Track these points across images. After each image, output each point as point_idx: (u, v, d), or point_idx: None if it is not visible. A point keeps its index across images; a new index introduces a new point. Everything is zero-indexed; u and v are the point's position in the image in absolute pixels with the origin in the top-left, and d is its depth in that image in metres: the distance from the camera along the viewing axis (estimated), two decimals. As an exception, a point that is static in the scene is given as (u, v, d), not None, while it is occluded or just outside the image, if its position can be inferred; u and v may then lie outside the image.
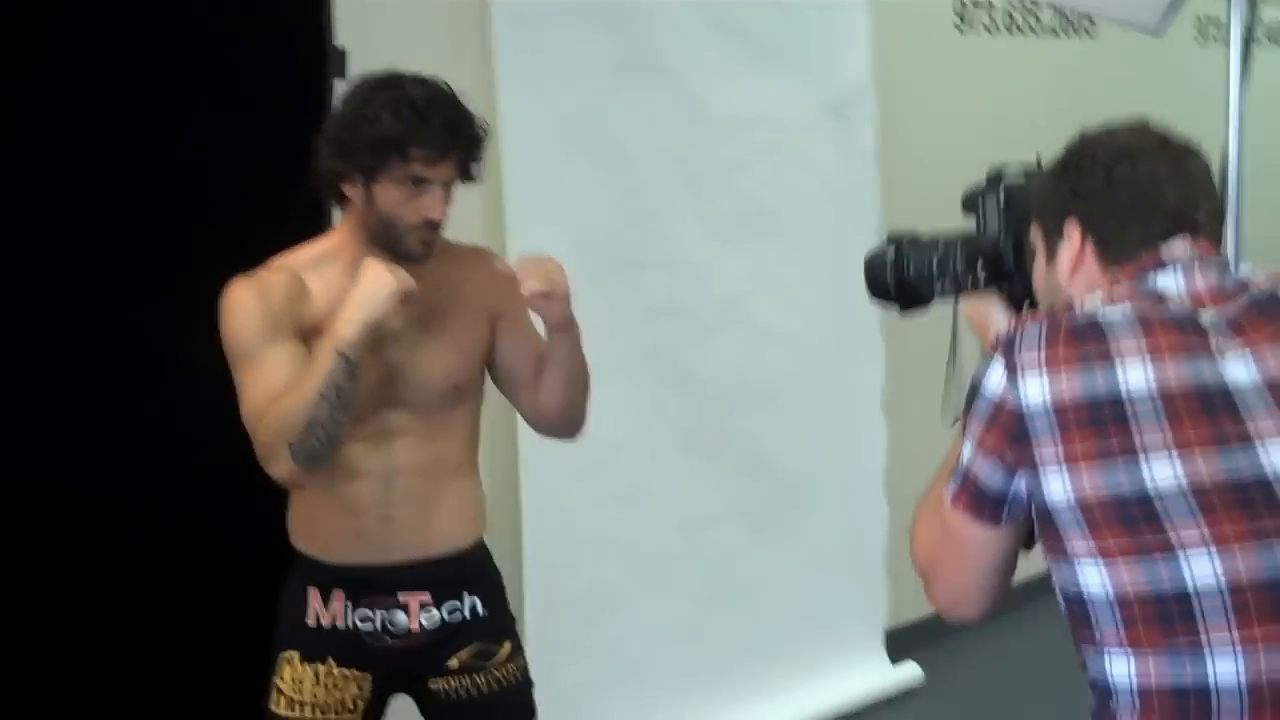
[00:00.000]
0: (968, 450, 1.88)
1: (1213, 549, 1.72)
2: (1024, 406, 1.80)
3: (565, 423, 3.01)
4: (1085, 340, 1.80)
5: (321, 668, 2.86)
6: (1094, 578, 1.77)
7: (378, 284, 2.61)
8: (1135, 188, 1.93)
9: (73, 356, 3.49)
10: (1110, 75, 6.05)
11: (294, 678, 2.86)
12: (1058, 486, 1.78)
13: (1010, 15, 5.65)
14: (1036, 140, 6.07)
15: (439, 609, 2.90)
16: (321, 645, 2.86)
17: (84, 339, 3.49)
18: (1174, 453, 1.73)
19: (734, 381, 4.66)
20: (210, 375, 2.94)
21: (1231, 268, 1.90)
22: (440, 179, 2.70)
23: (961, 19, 5.49)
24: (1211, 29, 6.64)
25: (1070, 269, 1.97)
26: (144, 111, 3.53)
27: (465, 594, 2.94)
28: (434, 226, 2.72)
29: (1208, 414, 1.75)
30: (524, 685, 3.04)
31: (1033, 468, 1.80)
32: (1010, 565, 1.94)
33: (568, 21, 4.09)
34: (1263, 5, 6.82)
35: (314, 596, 2.88)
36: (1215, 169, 3.06)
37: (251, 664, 2.99)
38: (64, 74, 3.43)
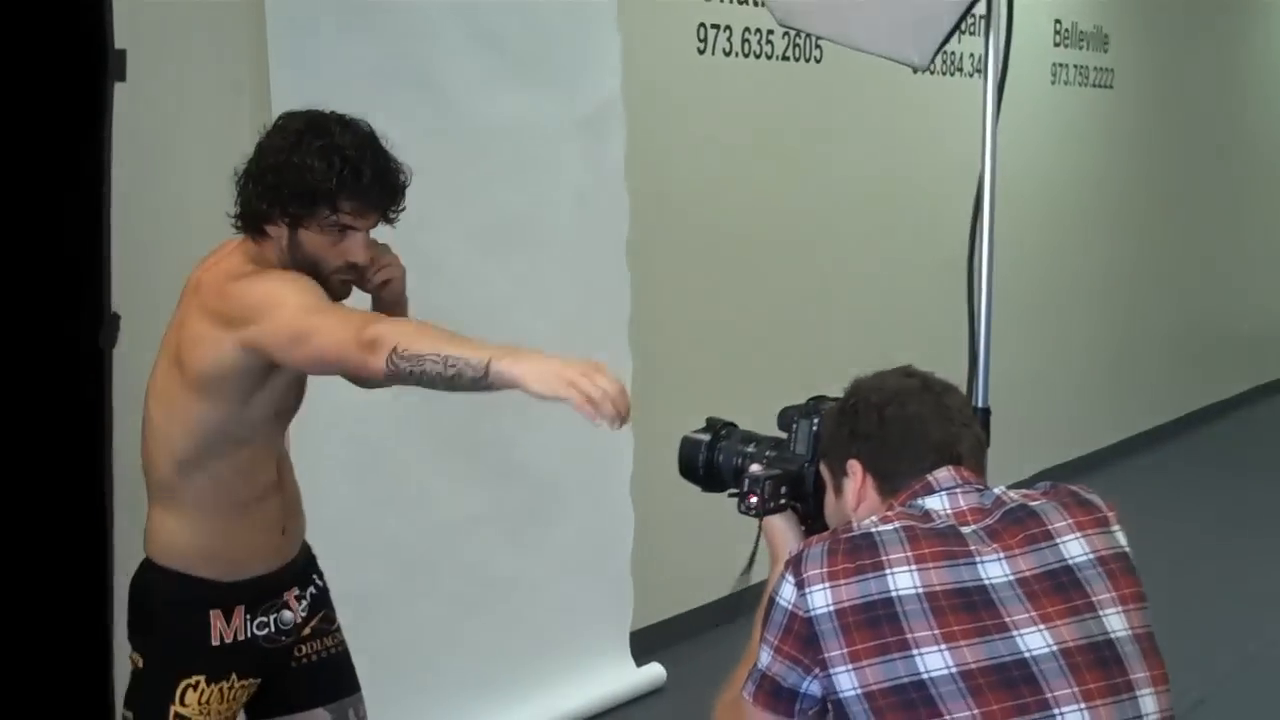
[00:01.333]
0: (765, 655, 2.12)
1: None
2: (812, 614, 2.05)
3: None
4: (860, 553, 2.07)
5: (225, 685, 2.92)
6: None
7: (567, 381, 2.47)
8: (904, 426, 2.22)
9: None
10: (835, 97, 6.35)
11: (200, 701, 2.89)
12: (846, 682, 2.02)
13: (746, 40, 5.87)
14: (769, 157, 6.37)
15: (305, 595, 3.06)
16: (225, 662, 2.92)
17: None
18: (942, 646, 1.99)
19: (490, 389, 4.75)
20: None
21: (993, 490, 2.19)
22: (366, 226, 2.78)
23: (703, 42, 5.69)
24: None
25: (855, 501, 2.25)
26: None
27: (313, 575, 3.13)
28: (357, 269, 2.80)
29: (968, 610, 2.02)
30: (349, 653, 3.21)
31: (823, 667, 2.04)
32: None
33: (339, 28, 4.14)
34: (969, 38, 7.25)
35: (216, 618, 2.90)
36: (973, 194, 3.32)
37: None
38: None
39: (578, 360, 2.51)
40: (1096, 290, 9.02)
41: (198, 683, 2.88)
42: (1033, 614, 2.02)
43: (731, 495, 2.49)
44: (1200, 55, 10.23)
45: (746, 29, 5.84)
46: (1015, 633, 2.00)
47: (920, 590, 2.02)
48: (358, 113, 4.18)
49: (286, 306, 2.63)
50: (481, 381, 2.53)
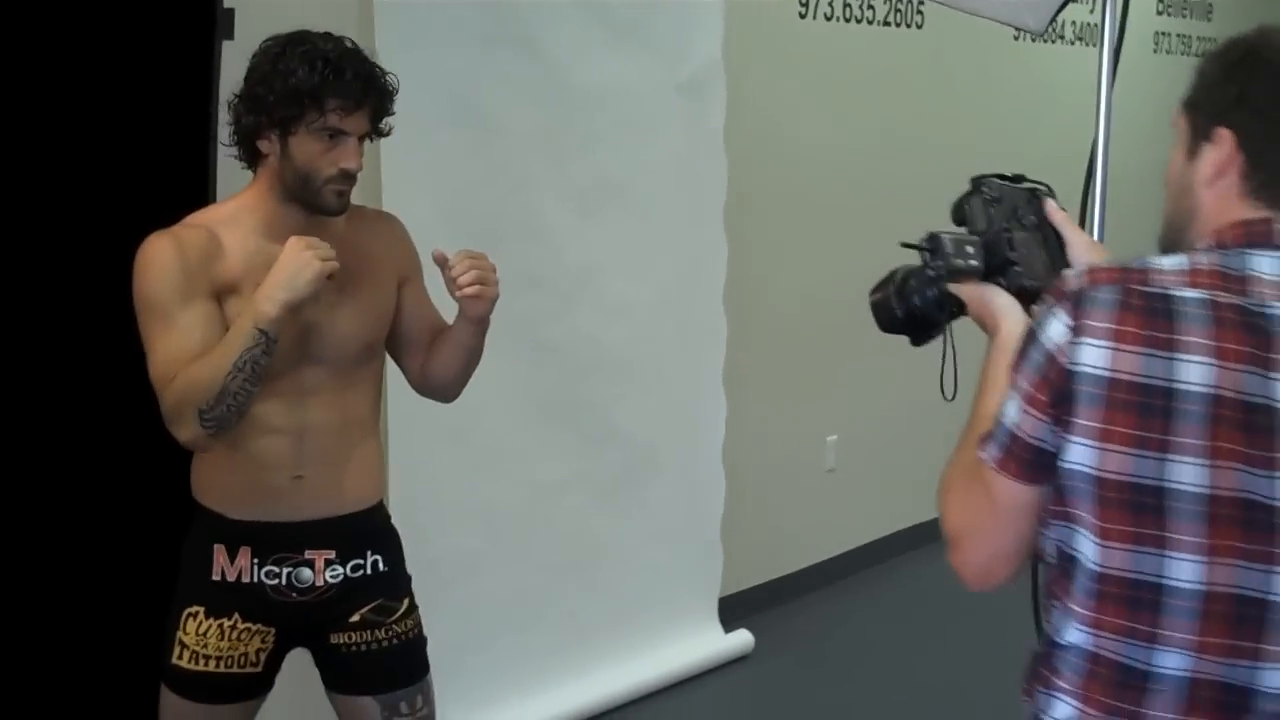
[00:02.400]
0: (1013, 408, 1.85)
1: (1202, 558, 1.76)
2: (1078, 368, 1.78)
3: (448, 392, 3.14)
4: (1156, 320, 1.76)
5: (227, 622, 2.89)
6: (1087, 550, 1.82)
7: (301, 264, 2.67)
8: None
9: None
10: (936, 63, 6.29)
11: (198, 632, 2.89)
12: (1081, 455, 1.79)
13: (847, 5, 5.81)
14: (870, 123, 6.32)
15: (343, 566, 2.96)
16: (227, 600, 2.90)
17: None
18: (1203, 460, 1.74)
19: (586, 352, 4.75)
20: (110, 331, 2.96)
21: None
22: (355, 130, 2.77)
23: (804, 6, 5.64)
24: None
25: (1212, 175, 1.87)
26: (33, 74, 3.51)
27: (369, 552, 3.01)
28: (350, 177, 2.79)
29: (1246, 430, 1.75)
30: (419, 641, 3.11)
31: (1065, 428, 1.80)
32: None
33: (444, -8, 4.15)
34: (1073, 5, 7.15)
35: (220, 552, 2.90)
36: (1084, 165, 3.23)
37: (153, 617, 3.01)
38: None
39: (287, 251, 2.69)
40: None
41: (197, 613, 2.89)
42: None
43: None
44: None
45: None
46: (1278, 474, 1.75)
47: (1210, 391, 1.73)
48: (462, 74, 4.24)
49: (147, 321, 2.76)
50: (270, 344, 2.67)
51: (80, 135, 3.61)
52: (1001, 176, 2.24)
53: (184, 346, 2.70)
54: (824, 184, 5.85)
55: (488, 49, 4.28)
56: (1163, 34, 8.35)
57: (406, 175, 4.07)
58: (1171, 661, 1.80)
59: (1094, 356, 1.77)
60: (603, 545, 4.90)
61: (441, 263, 2.85)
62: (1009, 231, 2.15)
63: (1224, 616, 1.79)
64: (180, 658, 2.90)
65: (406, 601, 3.08)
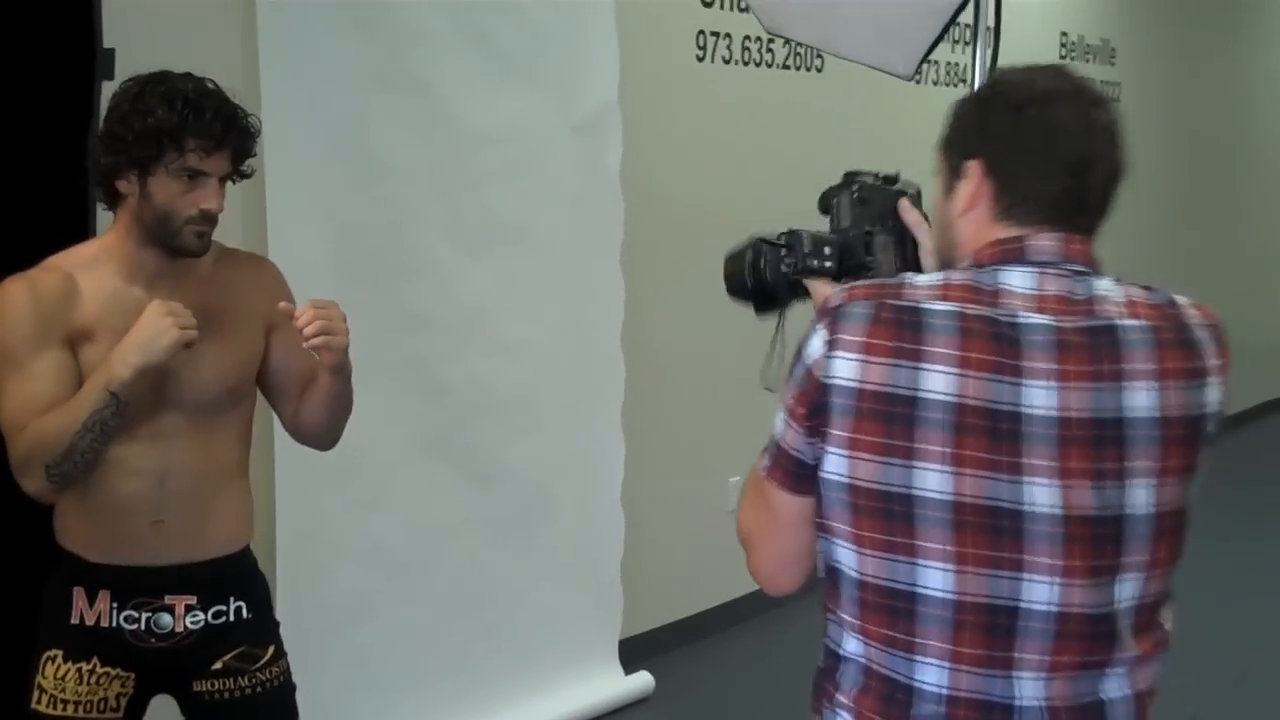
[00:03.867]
0: (779, 420, 1.94)
1: (950, 566, 1.82)
2: (831, 381, 1.86)
3: (322, 439, 3.11)
4: (903, 332, 1.84)
5: (85, 666, 2.86)
6: (846, 559, 1.89)
7: (159, 330, 2.64)
8: (1042, 134, 1.92)
9: None
10: (836, 106, 6.32)
11: (57, 676, 2.85)
12: (835, 465, 1.86)
13: (746, 48, 5.85)
14: (768, 164, 6.35)
15: (205, 612, 2.92)
16: (86, 644, 2.86)
17: None
18: (947, 467, 1.81)
19: (479, 391, 4.73)
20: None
21: (1093, 281, 1.91)
22: (216, 171, 2.75)
23: (702, 49, 5.67)
24: (930, 70, 6.98)
25: (964, 206, 1.97)
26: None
27: (231, 598, 2.97)
28: (210, 218, 2.77)
29: (990, 437, 1.81)
30: (286, 688, 3.07)
31: (822, 439, 1.87)
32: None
33: (332, 30, 4.13)
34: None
35: (79, 595, 2.87)
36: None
37: (15, 662, 2.97)
38: None
39: (146, 315, 2.67)
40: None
41: (56, 656, 2.86)
42: (1054, 464, 1.81)
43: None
44: (1208, 67, 10.22)
45: (747, 36, 5.83)
46: (1026, 479, 1.81)
47: (952, 399, 1.80)
48: (350, 114, 4.24)
49: (11, 390, 2.73)
50: (120, 406, 2.66)
51: None
52: (876, 175, 2.27)
53: (34, 395, 2.68)
54: (723, 226, 5.82)
55: (375, 88, 4.28)
56: (1066, 78, 8.45)
57: (292, 214, 4.05)
58: (930, 676, 1.86)
59: (844, 369, 1.85)
60: (497, 586, 4.87)
61: (289, 315, 2.80)
62: (870, 234, 2.20)
63: (976, 626, 1.84)
64: (39, 702, 2.86)
65: (272, 648, 3.04)
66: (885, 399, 1.83)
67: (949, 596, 1.83)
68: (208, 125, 2.71)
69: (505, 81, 4.70)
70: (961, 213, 1.97)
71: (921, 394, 1.82)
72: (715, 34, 5.70)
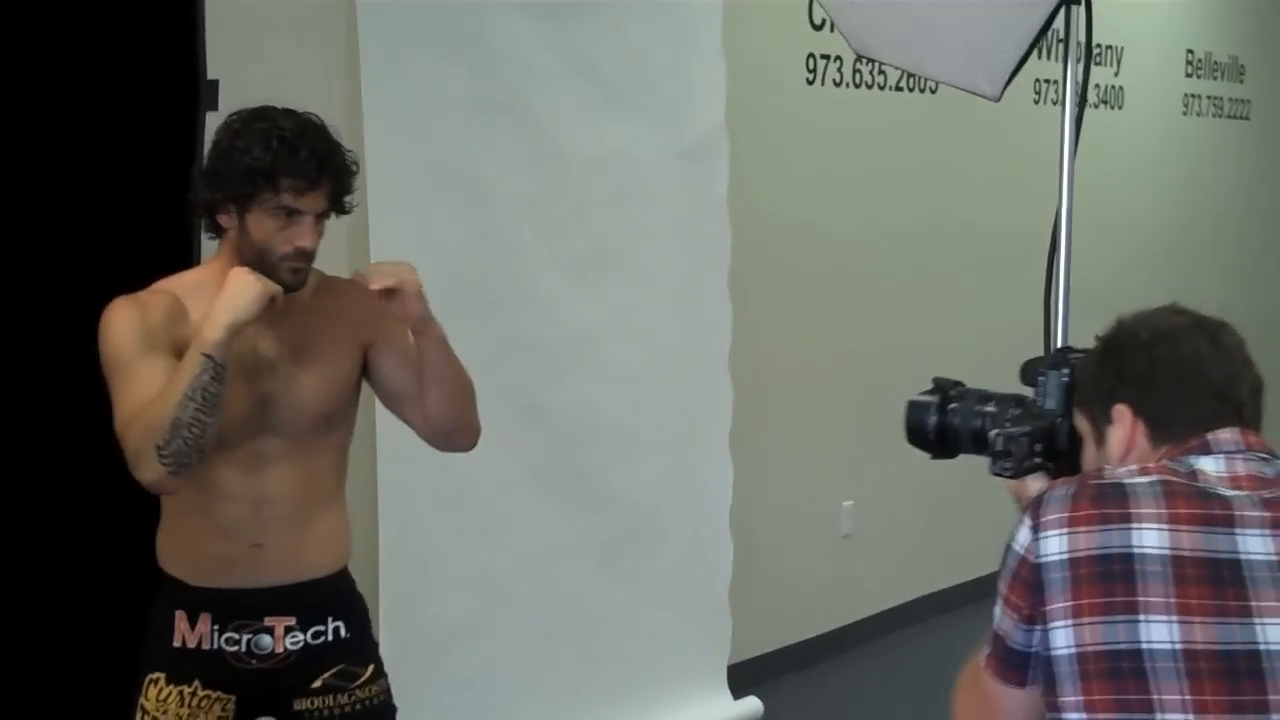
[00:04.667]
0: (997, 610, 1.94)
1: (1190, 716, 1.78)
2: (1043, 560, 1.87)
3: (456, 428, 3.08)
4: (1106, 501, 1.87)
5: (187, 689, 2.90)
6: None
7: (242, 287, 2.70)
8: (1178, 366, 1.99)
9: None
10: (950, 130, 6.27)
11: (159, 698, 2.90)
12: (1062, 639, 1.84)
13: (857, 71, 5.81)
14: (879, 189, 6.31)
15: (304, 632, 2.96)
16: (188, 666, 2.91)
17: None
18: (1174, 617, 1.80)
19: (585, 418, 4.74)
20: (84, 398, 2.98)
21: (1276, 458, 1.96)
22: (311, 209, 2.79)
23: (812, 72, 5.65)
24: (1049, 90, 6.90)
25: (1121, 450, 2.01)
26: (16, 141, 3.56)
27: (330, 618, 3.01)
28: (305, 255, 2.81)
29: (1214, 584, 1.81)
30: (386, 708, 3.10)
31: (1044, 620, 1.87)
32: None
33: (434, 60, 4.16)
34: (1096, 68, 7.13)
35: (181, 619, 2.92)
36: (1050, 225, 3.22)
37: (121, 684, 3.01)
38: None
39: (235, 276, 2.73)
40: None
41: (159, 680, 2.90)
42: None
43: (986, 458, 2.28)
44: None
45: (859, 59, 5.79)
46: (1258, 620, 1.79)
47: (1167, 552, 1.81)
48: (452, 143, 4.26)
49: (113, 375, 2.78)
50: (218, 370, 2.67)
51: (66, 207, 3.65)
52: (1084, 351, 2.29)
53: (144, 394, 2.71)
54: (832, 251, 5.84)
55: (479, 115, 4.30)
56: (1193, 96, 8.32)
57: (394, 242, 4.06)
58: None
59: (1054, 545, 1.87)
60: (603, 612, 4.87)
61: (362, 284, 2.86)
62: (1066, 419, 2.21)
63: None
64: None
65: (372, 668, 3.07)
66: (1100, 560, 1.84)
67: None
68: (302, 165, 2.75)
69: (610, 108, 4.71)
70: (1120, 458, 2.01)
71: (1136, 550, 1.83)
72: (825, 56, 5.68)
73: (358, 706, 3.01)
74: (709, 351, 5.15)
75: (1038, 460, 2.20)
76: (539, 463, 4.61)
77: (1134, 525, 1.84)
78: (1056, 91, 7.03)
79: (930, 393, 2.39)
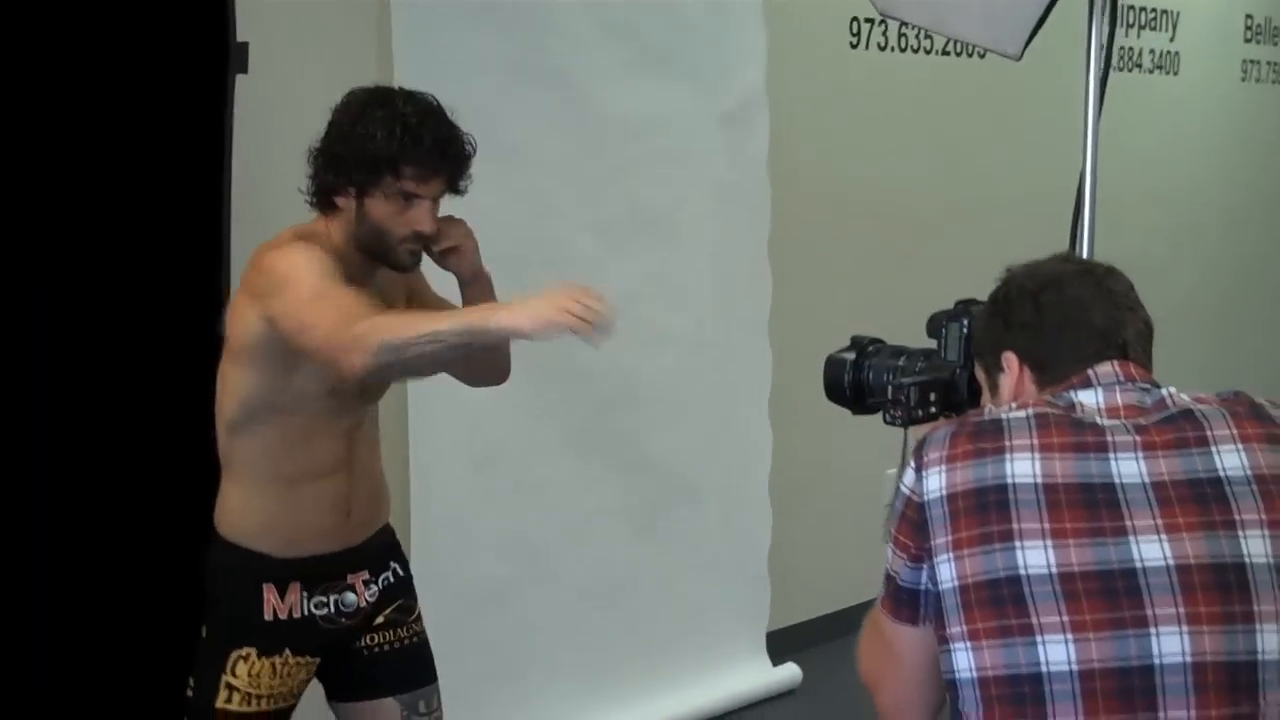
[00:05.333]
0: (889, 552, 1.99)
1: (1070, 636, 1.79)
2: (926, 499, 1.91)
3: (492, 370, 3.15)
4: (983, 437, 1.91)
5: (279, 659, 2.94)
6: (963, 662, 1.86)
7: (552, 308, 2.47)
8: (1062, 311, 2.03)
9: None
10: (998, 96, 6.20)
11: (251, 673, 2.91)
12: (946, 572, 1.87)
13: (903, 34, 5.76)
14: (923, 156, 6.24)
15: (376, 583, 3.05)
16: (279, 638, 2.94)
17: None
18: (1048, 542, 1.83)
19: (622, 381, 4.73)
20: (110, 358, 3.00)
21: (1161, 390, 1.98)
22: (430, 194, 2.81)
23: (856, 35, 5.60)
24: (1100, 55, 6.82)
25: (1011, 395, 2.06)
26: (43, 104, 3.58)
27: (390, 561, 3.11)
28: (423, 238, 2.82)
29: (1087, 507, 1.84)
30: (428, 644, 3.19)
31: (930, 556, 1.90)
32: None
33: (466, 22, 4.15)
34: (1151, 34, 7.05)
35: (270, 591, 2.93)
36: (1076, 185, 3.19)
37: (174, 657, 3.08)
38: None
39: (557, 290, 2.53)
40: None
41: (249, 655, 2.91)
42: (1159, 521, 1.83)
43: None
44: None
45: (904, 23, 5.73)
46: (1132, 538, 1.81)
47: (1039, 480, 1.85)
48: (486, 106, 4.25)
49: (301, 287, 2.65)
50: (476, 344, 2.64)
51: (94, 167, 3.66)
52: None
53: (353, 306, 2.61)
54: (874, 217, 5.78)
55: (513, 78, 4.29)
56: (1251, 62, 8.20)
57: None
58: None
59: (934, 483, 1.91)
60: (640, 577, 4.87)
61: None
62: (966, 370, 2.26)
63: (1109, 693, 1.79)
64: (230, 701, 2.91)
65: (418, 605, 3.18)
66: (976, 494, 1.87)
67: (1075, 668, 1.79)
68: (426, 153, 2.75)
69: (647, 70, 4.69)
70: (1011, 401, 2.04)
71: (1010, 480, 1.86)
72: (870, 20, 5.61)
73: (415, 639, 3.12)
74: (749, 316, 5.14)
75: (934, 410, 2.25)
76: (575, 427, 4.62)
77: (1007, 456, 1.87)
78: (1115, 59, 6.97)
79: (847, 350, 2.46)
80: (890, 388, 2.29)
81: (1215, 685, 1.79)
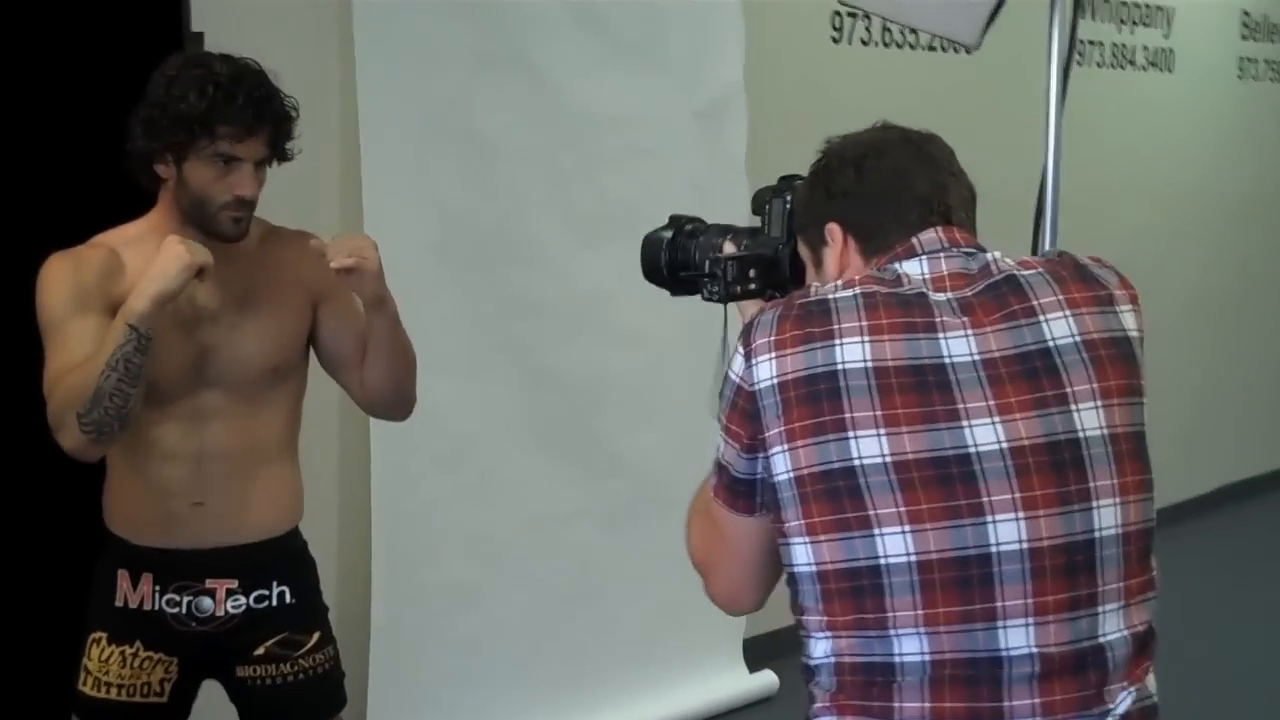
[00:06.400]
0: (720, 442, 1.92)
1: (907, 527, 1.76)
2: (756, 387, 1.84)
3: (392, 402, 3.01)
4: (811, 321, 1.83)
5: (129, 649, 2.85)
6: (801, 555, 1.81)
7: (171, 258, 2.61)
8: (883, 178, 1.96)
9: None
10: (985, 93, 6.10)
11: (101, 658, 2.85)
12: (780, 464, 1.81)
13: (887, 29, 5.67)
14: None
15: (246, 596, 2.91)
16: (129, 627, 2.86)
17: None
18: (881, 431, 1.77)
19: (594, 380, 4.66)
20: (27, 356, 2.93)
21: (986, 255, 1.93)
22: (250, 156, 2.73)
23: (837, 30, 5.52)
24: (1093, 53, 6.74)
25: (837, 271, 1.99)
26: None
27: (274, 583, 2.95)
28: (245, 204, 2.75)
29: (919, 391, 1.78)
30: (333, 674, 3.04)
31: (764, 448, 1.84)
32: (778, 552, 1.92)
33: (430, 10, 4.08)
34: (1144, 30, 6.96)
35: (123, 578, 2.87)
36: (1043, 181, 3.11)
37: (67, 644, 2.96)
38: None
39: (168, 245, 2.63)
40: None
41: (100, 640, 2.85)
42: (991, 403, 1.78)
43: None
44: None
45: (865, 12, 5.63)
46: (965, 423, 1.77)
47: (870, 364, 1.79)
48: (452, 97, 4.17)
49: (46, 334, 2.71)
50: (142, 341, 2.59)
51: (42, 155, 3.60)
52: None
53: (72, 356, 2.66)
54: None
55: (479, 68, 4.22)
56: (1249, 60, 8.11)
57: (391, 199, 4.01)
58: (909, 646, 1.76)
59: (765, 370, 1.83)
60: (612, 580, 4.78)
61: (319, 252, 2.77)
62: (789, 246, 2.15)
63: (948, 583, 1.76)
64: (84, 684, 2.86)
65: (318, 635, 3.00)
66: (807, 381, 1.80)
67: (913, 559, 1.75)
68: (239, 111, 2.67)
69: (620, 63, 4.61)
70: (836, 277, 1.97)
71: (840, 366, 1.80)
72: (853, 14, 5.52)
73: (300, 676, 2.95)
74: (722, 314, 5.04)
75: (753, 287, 2.17)
76: (544, 425, 4.54)
77: (836, 341, 1.81)
78: (1100, 54, 6.88)
79: (664, 228, 2.40)
80: (708, 261, 2.22)
81: (1053, 570, 1.76)
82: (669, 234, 2.37)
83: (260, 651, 2.91)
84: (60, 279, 2.72)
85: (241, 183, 2.71)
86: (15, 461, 3.67)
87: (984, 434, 1.77)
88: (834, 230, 1.99)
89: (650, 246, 2.41)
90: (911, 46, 5.81)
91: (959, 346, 1.81)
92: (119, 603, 2.85)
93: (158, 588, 2.85)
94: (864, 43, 5.61)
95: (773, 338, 1.84)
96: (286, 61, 3.92)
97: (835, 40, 5.52)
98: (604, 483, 4.74)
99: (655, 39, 4.71)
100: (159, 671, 2.87)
